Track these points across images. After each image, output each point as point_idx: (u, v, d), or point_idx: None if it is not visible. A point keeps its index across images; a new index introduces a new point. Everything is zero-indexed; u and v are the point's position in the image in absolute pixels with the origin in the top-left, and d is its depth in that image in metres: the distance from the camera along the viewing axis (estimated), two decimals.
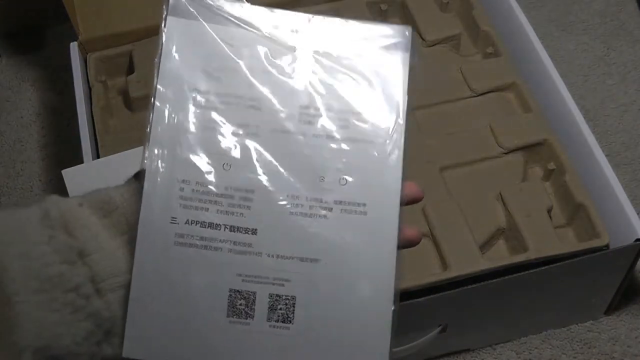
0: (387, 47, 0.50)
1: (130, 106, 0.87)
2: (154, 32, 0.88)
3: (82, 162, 0.77)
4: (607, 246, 0.74)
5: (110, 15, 0.91)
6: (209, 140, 0.48)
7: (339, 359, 0.47)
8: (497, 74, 0.86)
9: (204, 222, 0.46)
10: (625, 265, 0.76)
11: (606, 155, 0.79)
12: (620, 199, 0.75)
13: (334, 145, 0.48)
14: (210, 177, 0.47)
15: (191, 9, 0.49)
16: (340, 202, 0.47)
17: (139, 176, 0.47)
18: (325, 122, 0.48)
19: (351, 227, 0.47)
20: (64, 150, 0.99)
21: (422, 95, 0.85)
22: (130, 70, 0.89)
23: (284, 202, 0.47)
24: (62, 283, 0.43)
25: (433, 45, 0.90)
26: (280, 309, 0.46)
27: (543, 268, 0.72)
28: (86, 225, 0.44)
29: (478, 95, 0.86)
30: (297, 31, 0.50)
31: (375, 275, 0.47)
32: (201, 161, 0.47)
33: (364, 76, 0.50)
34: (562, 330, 0.82)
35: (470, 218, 0.75)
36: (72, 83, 0.85)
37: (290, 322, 0.46)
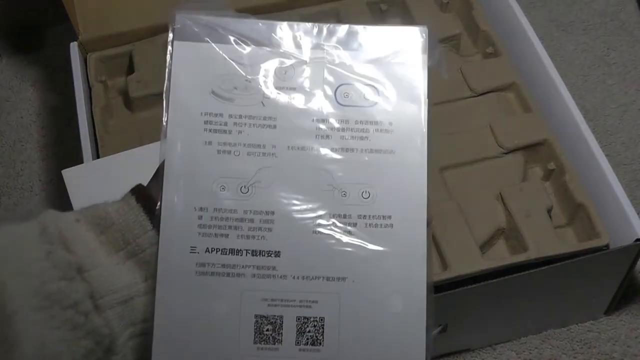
0: (403, 51, 0.48)
1: (130, 106, 0.87)
2: (154, 32, 0.88)
3: (82, 162, 0.77)
4: (607, 246, 0.73)
5: (110, 15, 0.90)
6: (224, 164, 0.46)
7: None
8: (497, 74, 0.86)
9: (224, 249, 0.45)
10: (625, 265, 0.76)
11: (606, 155, 0.79)
12: (620, 199, 0.75)
13: (354, 158, 0.47)
14: (229, 202, 0.45)
15: (197, 31, 0.47)
16: (365, 217, 0.46)
17: (135, 191, 0.47)
18: (343, 134, 0.47)
19: (377, 242, 0.46)
20: (64, 150, 0.99)
21: None
22: (130, 70, 0.89)
23: (306, 222, 0.45)
24: (61, 300, 0.42)
25: None
26: (309, 331, 0.45)
27: (543, 268, 0.72)
28: (83, 241, 0.44)
29: (478, 95, 0.86)
30: (307, 42, 0.48)
31: (407, 289, 0.45)
32: (218, 186, 0.46)
33: (381, 84, 0.48)
34: (562, 330, 0.82)
35: (470, 218, 0.75)
36: (72, 83, 0.85)
37: (320, 344, 0.45)
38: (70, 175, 0.73)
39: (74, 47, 0.88)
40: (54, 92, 1.05)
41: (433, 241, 0.74)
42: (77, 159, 0.78)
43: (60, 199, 0.92)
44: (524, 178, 0.80)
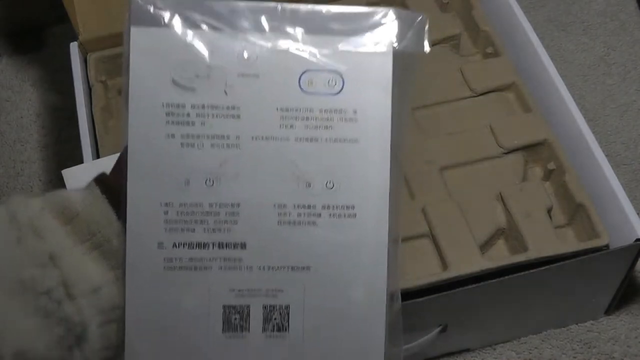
0: (370, 35, 0.46)
1: None
2: None
3: (82, 162, 0.77)
4: (607, 246, 0.73)
5: (110, 15, 0.90)
6: (188, 157, 0.45)
7: None
8: (497, 74, 0.86)
9: (191, 243, 0.45)
10: (625, 265, 0.76)
11: (606, 155, 0.79)
12: (620, 199, 0.75)
13: (318, 148, 0.46)
14: (194, 196, 0.45)
15: (154, 15, 0.45)
16: (329, 207, 0.46)
17: (99, 180, 0.46)
18: (307, 123, 0.46)
19: (341, 231, 0.46)
20: (64, 150, 0.99)
21: (422, 95, 0.85)
22: None
23: (271, 213, 0.45)
24: (34, 286, 0.42)
25: (433, 45, 0.90)
26: (275, 318, 0.46)
27: (543, 268, 0.72)
28: (51, 229, 0.44)
29: (478, 95, 0.86)
30: (273, 25, 0.46)
31: (368, 277, 0.46)
32: (182, 181, 0.45)
33: (346, 71, 0.46)
34: (562, 330, 0.82)
35: (470, 218, 0.75)
36: (72, 83, 0.85)
37: (286, 330, 0.46)
38: (70, 175, 0.73)
39: (74, 47, 0.88)
40: (54, 92, 1.05)
41: (433, 241, 0.75)
42: (77, 159, 0.78)
43: None
44: (524, 178, 0.80)
